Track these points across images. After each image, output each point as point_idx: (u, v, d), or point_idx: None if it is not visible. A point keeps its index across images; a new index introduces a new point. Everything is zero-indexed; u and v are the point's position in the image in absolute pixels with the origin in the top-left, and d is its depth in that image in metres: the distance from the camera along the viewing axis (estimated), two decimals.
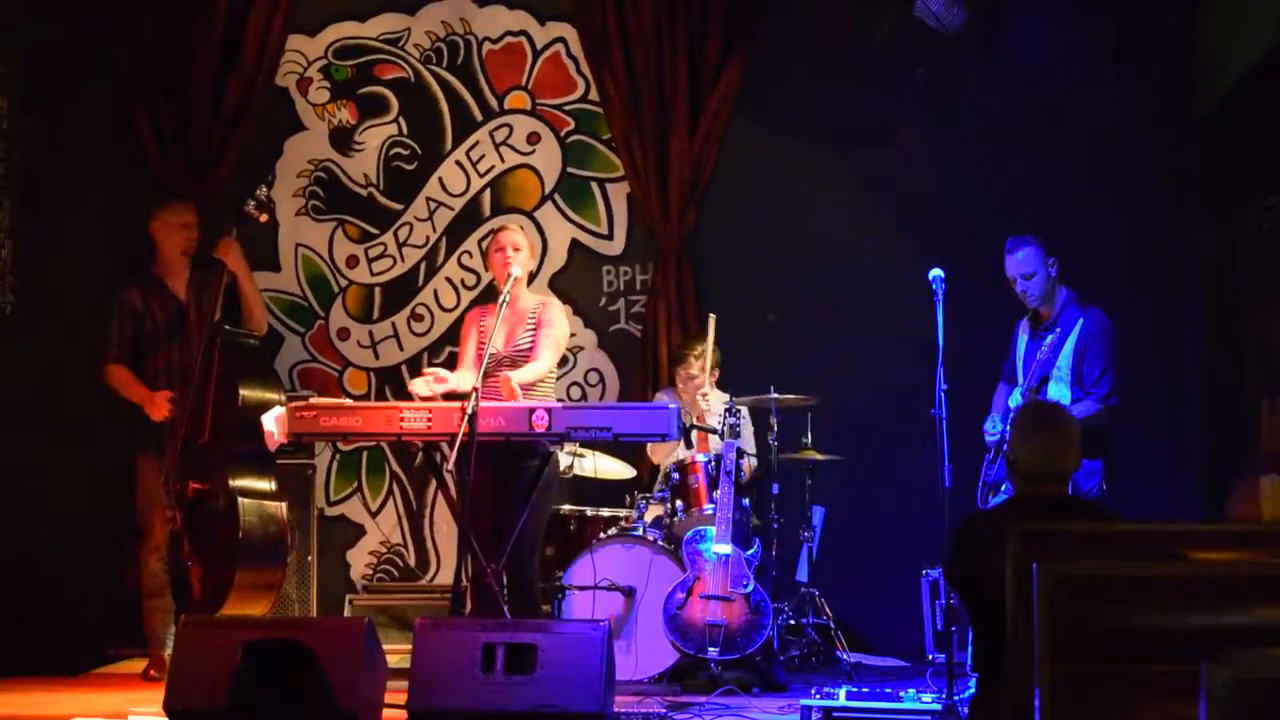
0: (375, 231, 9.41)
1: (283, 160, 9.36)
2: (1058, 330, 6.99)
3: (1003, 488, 6.92)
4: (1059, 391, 6.93)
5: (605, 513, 8.05)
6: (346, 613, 8.73)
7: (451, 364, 7.72)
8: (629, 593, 7.50)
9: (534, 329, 7.14)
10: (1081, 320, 7.00)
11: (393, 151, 9.41)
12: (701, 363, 8.23)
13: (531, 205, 9.36)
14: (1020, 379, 7.12)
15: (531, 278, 7.53)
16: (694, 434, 7.89)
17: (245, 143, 9.08)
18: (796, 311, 9.03)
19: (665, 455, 8.19)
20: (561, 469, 7.86)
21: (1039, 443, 4.78)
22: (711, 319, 8.10)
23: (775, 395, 7.95)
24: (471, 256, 9.26)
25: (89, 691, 7.41)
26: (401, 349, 9.38)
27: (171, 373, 7.64)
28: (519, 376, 6.82)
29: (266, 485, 7.44)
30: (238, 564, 7.21)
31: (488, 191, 9.40)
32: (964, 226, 8.50)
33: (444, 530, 9.16)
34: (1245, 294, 8.20)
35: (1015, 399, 7.06)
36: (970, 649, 6.28)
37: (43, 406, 8.48)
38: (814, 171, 9.09)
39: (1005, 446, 6.52)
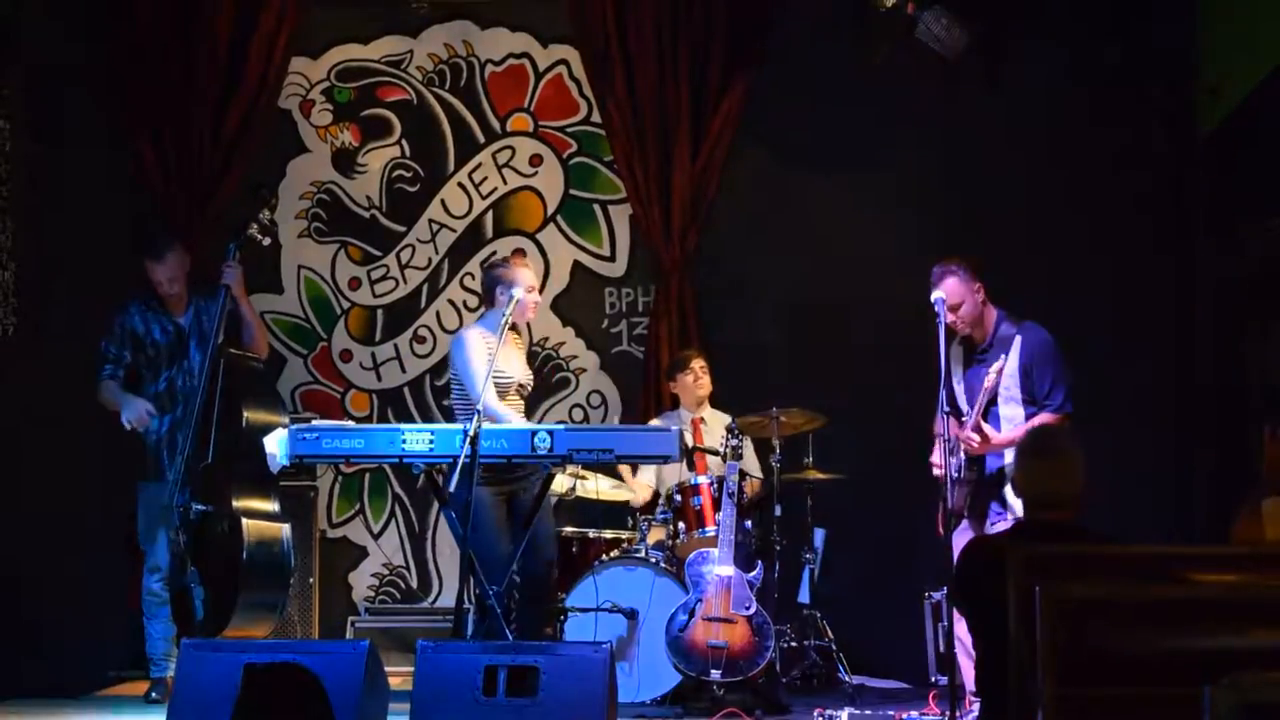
0: (377, 253, 9.42)
1: (285, 182, 9.38)
2: (996, 352, 6.85)
3: (965, 515, 6.87)
4: (1010, 411, 6.82)
5: (608, 534, 8.05)
6: (348, 635, 8.72)
7: (445, 391, 7.70)
8: (631, 615, 7.49)
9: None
10: (1019, 337, 6.86)
11: (395, 173, 9.42)
12: (702, 361, 8.31)
13: (534, 227, 9.38)
14: (966, 408, 6.96)
15: None
16: (694, 455, 7.91)
17: (247, 165, 9.08)
18: (798, 333, 9.03)
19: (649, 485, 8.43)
20: (563, 491, 7.89)
21: (1043, 468, 4.76)
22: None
23: (779, 416, 7.94)
24: (474, 279, 9.25)
25: (91, 714, 7.40)
26: (404, 371, 9.38)
27: (173, 397, 7.63)
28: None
29: (269, 507, 7.43)
30: (240, 586, 7.20)
31: (490, 213, 9.41)
32: (964, 248, 8.48)
33: (446, 552, 9.15)
34: (1248, 315, 8.20)
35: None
36: (975, 671, 6.28)
37: (45, 428, 8.48)
38: (816, 194, 9.10)
39: (1008, 472, 6.55)
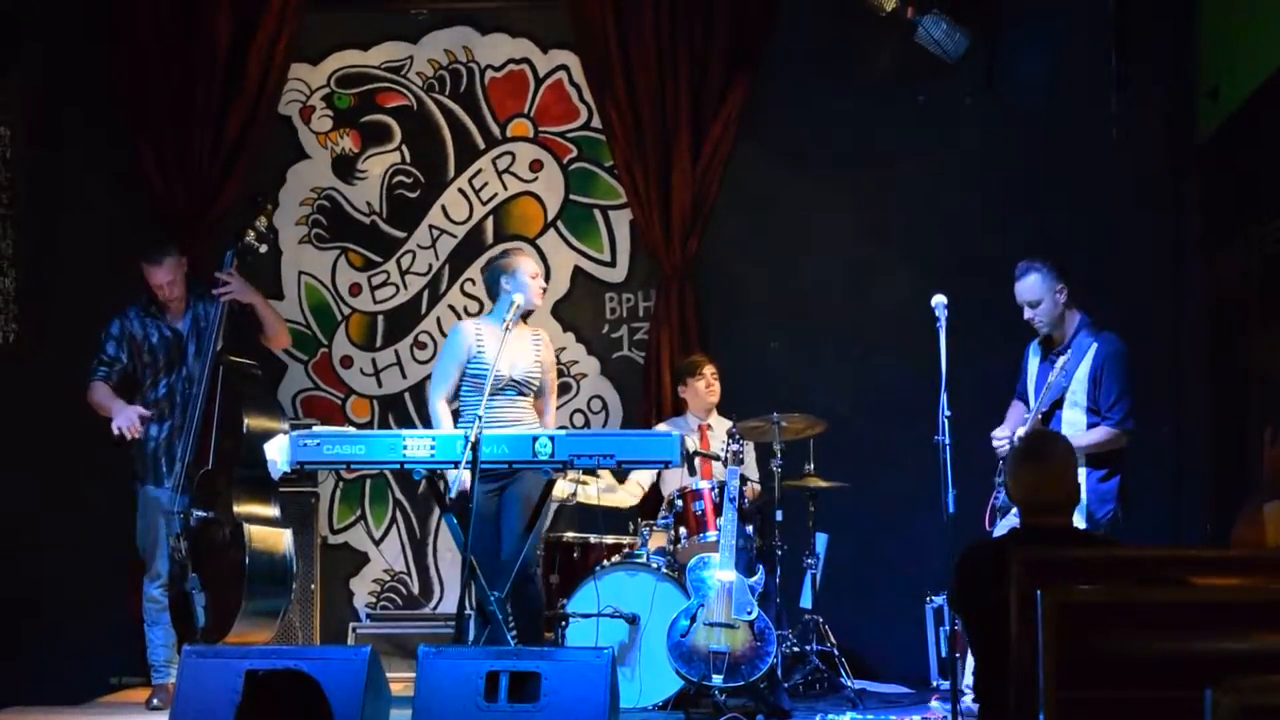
0: (378, 259, 9.42)
1: (285, 188, 9.37)
2: (1070, 354, 6.91)
3: (1014, 511, 6.90)
4: (1073, 416, 6.86)
5: (609, 540, 8.04)
6: (350, 641, 8.71)
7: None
8: (633, 620, 7.48)
9: (539, 364, 7.27)
10: (1095, 345, 6.89)
11: (395, 179, 9.42)
12: (714, 368, 8.32)
13: (534, 233, 9.37)
14: (1031, 401, 7.06)
15: None
16: (697, 460, 7.90)
17: (248, 171, 9.07)
18: (799, 338, 9.03)
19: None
20: (564, 497, 7.90)
21: (1028, 473, 4.75)
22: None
23: (780, 421, 7.93)
24: (474, 284, 9.25)
25: None
26: (405, 377, 9.38)
27: (173, 403, 7.63)
28: (553, 423, 7.40)
29: (270, 513, 7.43)
30: (242, 592, 7.20)
31: (490, 219, 9.41)
32: (966, 253, 8.51)
33: (447, 558, 9.15)
34: (1248, 318, 8.20)
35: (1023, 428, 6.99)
36: (973, 676, 6.28)
37: (45, 436, 8.48)
38: (816, 198, 9.10)
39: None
